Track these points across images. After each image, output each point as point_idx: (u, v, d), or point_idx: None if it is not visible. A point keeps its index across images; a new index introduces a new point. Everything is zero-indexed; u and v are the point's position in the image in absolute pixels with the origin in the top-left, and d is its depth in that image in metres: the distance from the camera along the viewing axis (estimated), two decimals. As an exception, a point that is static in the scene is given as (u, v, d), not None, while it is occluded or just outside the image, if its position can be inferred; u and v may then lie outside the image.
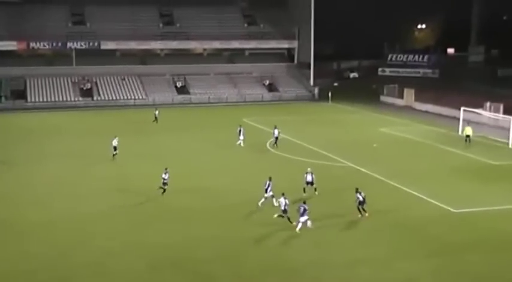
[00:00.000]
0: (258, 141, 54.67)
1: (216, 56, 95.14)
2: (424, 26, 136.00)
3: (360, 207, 33.65)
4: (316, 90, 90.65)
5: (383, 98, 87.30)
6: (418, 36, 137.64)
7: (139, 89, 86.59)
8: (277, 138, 52.89)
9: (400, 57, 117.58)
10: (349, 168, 45.33)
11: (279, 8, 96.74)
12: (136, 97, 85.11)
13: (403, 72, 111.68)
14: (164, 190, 36.78)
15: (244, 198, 36.75)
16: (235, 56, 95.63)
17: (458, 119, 61.95)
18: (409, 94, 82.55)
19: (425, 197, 37.63)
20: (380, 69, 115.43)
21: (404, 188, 39.65)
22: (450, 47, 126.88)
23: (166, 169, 37.22)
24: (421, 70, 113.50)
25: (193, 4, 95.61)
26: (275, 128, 53.59)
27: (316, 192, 37.52)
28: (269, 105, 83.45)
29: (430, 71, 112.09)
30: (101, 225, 32.50)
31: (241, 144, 52.76)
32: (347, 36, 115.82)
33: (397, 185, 40.24)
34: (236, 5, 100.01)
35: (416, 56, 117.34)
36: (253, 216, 33.90)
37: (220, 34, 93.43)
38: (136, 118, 70.69)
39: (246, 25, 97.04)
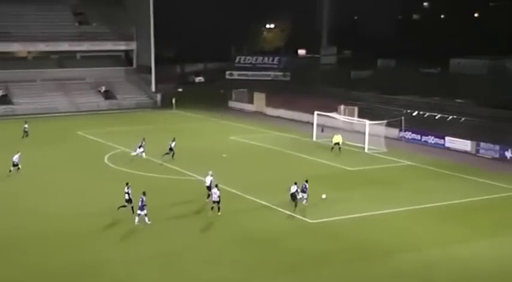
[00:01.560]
0: (95, 156, 53.59)
1: (43, 59, 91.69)
2: (272, 25, 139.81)
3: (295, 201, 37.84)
4: (158, 97, 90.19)
5: (232, 104, 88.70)
6: (267, 36, 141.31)
7: None
8: (171, 149, 52.26)
9: (248, 59, 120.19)
10: (197, 182, 45.55)
11: (115, 5, 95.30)
12: None
13: (253, 75, 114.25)
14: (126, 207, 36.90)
15: (80, 223, 35.83)
16: (65, 59, 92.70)
17: (312, 124, 64.40)
18: (260, 99, 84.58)
19: (279, 209, 38.67)
20: (228, 72, 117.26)
21: (258, 200, 40.48)
22: (301, 48, 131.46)
23: (127, 184, 37.48)
24: (272, 73, 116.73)
25: (14, 0, 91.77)
26: (173, 140, 52.76)
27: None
28: (106, 114, 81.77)
29: (281, 73, 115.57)
30: None
31: (141, 156, 51.72)
32: (191, 37, 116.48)
33: (249, 197, 41.01)
34: (65, 1, 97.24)
35: (266, 58, 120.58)
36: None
37: (47, 34, 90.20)
38: None
39: (77, 24, 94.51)
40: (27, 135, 61.96)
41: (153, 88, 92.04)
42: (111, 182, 44.99)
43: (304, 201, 39.02)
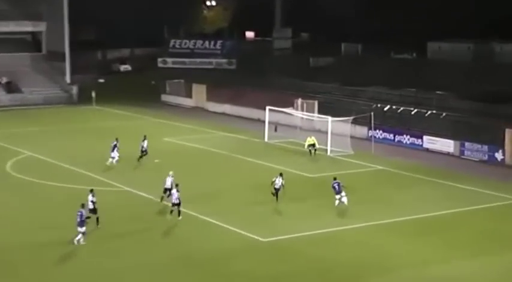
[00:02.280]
0: (-5, 163, 53.11)
1: None
2: (214, 3, 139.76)
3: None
4: (74, 90, 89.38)
5: (166, 98, 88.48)
6: (208, 16, 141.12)
7: None
8: (144, 151, 53.51)
9: (185, 43, 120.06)
10: (125, 193, 45.40)
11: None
12: None
13: (191, 63, 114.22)
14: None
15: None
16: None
17: (264, 122, 64.69)
18: (200, 92, 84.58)
19: (226, 225, 38.86)
20: (160, 59, 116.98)
21: (200, 215, 40.63)
22: (249, 30, 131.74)
23: (92, 191, 38.94)
24: (214, 60, 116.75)
25: None
26: (145, 139, 54.07)
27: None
28: (9, 111, 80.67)
29: (225, 60, 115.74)
30: None
31: (114, 163, 51.89)
32: (114, 16, 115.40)
33: (190, 212, 41.01)
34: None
35: (207, 42, 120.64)
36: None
37: None
38: None
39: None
40: None
41: (68, 79, 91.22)
42: (15, 195, 44.55)
43: (339, 202, 41.84)
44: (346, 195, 41.99)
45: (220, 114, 79.15)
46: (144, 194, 44.85)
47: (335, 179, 42.75)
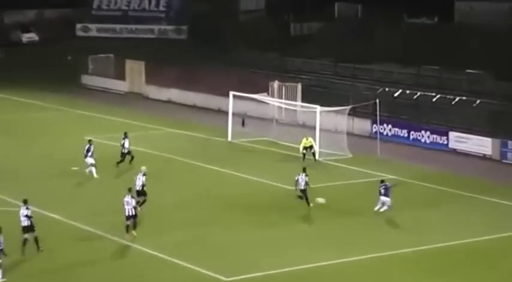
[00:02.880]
0: None
1: None
2: None
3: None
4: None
5: (88, 80, 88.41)
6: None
7: None
8: (128, 152, 55.50)
9: (115, 3, 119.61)
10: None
11: None
12: None
13: (123, 30, 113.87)
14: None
15: None
16: None
17: (227, 113, 64.58)
18: (136, 71, 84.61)
19: (178, 261, 38.71)
20: (79, 25, 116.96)
21: (145, 248, 40.43)
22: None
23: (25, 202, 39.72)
24: (156, 27, 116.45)
25: None
26: (125, 137, 55.54)
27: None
28: None
29: (171, 27, 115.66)
30: None
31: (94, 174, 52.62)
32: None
33: (132, 244, 40.90)
34: None
35: (146, 2, 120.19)
36: None
37: None
38: None
39: None
40: None
41: None
42: None
43: (386, 207, 45.11)
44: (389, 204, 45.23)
45: (164, 102, 79.35)
46: (54, 215, 44.61)
47: (382, 182, 46.02)
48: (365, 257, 39.26)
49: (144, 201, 44.72)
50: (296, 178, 46.11)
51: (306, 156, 56.62)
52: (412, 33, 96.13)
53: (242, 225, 43.48)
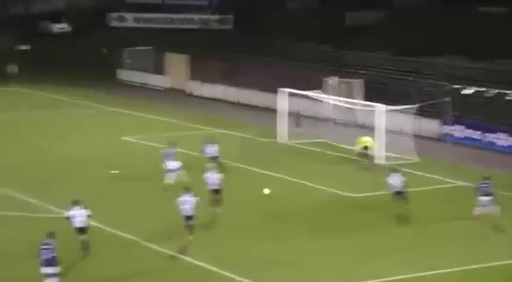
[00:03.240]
0: None
1: None
2: None
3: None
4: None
5: (124, 74, 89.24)
6: None
7: None
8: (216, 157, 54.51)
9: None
10: (60, 220, 45.36)
11: None
12: None
13: (162, 21, 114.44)
14: None
15: None
16: None
17: (275, 111, 64.90)
18: (178, 66, 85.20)
19: (232, 275, 38.69)
20: (114, 15, 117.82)
21: (198, 262, 40.49)
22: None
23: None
24: (199, 16, 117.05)
25: None
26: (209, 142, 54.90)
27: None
28: None
29: (216, 17, 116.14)
30: None
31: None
32: None
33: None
34: None
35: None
36: None
37: None
38: None
39: None
40: None
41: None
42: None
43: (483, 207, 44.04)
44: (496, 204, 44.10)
45: (210, 100, 79.81)
46: (93, 223, 44.80)
47: (487, 179, 44.74)
48: (437, 272, 39.03)
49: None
50: (388, 181, 45.81)
51: (362, 159, 56.82)
52: (483, 23, 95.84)
53: (296, 233, 43.45)
